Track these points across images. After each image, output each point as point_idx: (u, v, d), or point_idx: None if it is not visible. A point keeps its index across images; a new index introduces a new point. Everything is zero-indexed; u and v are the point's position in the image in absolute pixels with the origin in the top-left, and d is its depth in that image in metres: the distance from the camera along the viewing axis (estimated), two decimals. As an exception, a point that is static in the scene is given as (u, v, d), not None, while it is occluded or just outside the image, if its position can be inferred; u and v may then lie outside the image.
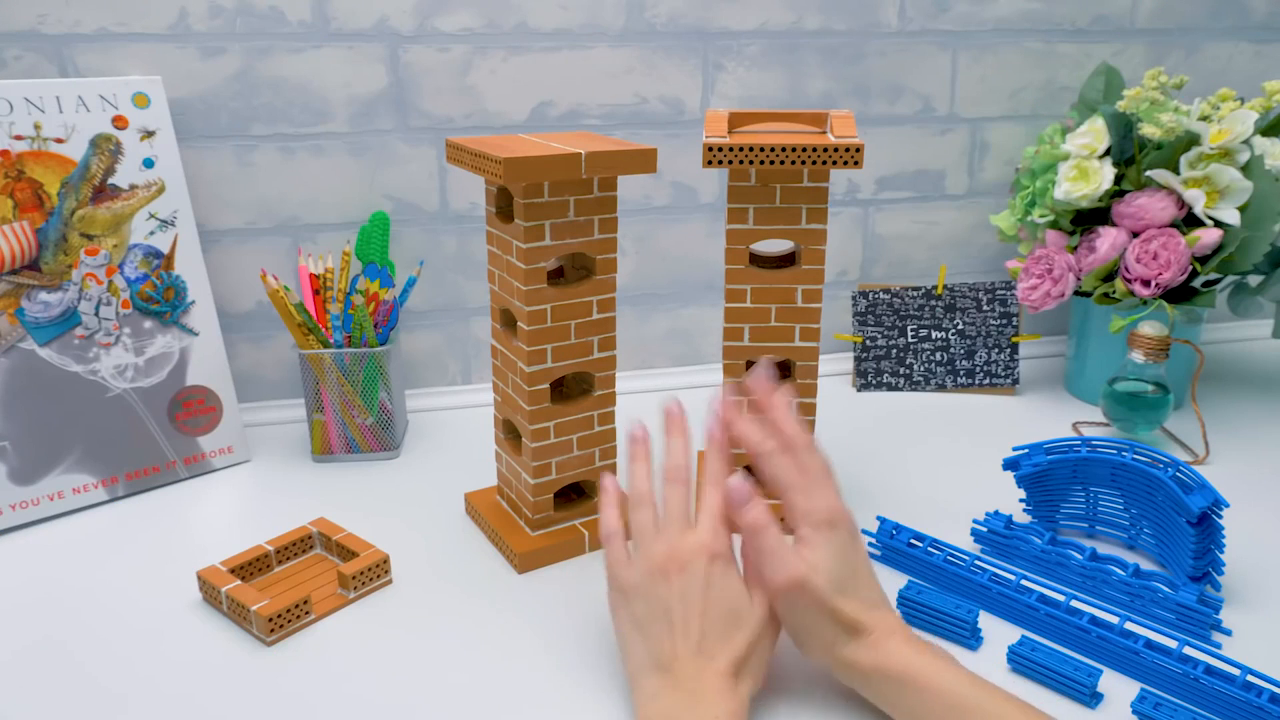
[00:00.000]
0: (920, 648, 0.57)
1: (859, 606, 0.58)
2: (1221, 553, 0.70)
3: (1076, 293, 1.00)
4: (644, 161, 0.70)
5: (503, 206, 0.72)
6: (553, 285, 0.72)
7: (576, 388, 0.78)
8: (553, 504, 0.78)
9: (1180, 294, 0.96)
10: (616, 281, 0.80)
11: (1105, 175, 0.95)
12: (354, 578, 0.72)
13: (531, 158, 0.65)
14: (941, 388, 1.09)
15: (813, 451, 0.62)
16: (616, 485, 0.64)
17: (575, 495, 0.81)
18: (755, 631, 0.58)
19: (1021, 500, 0.80)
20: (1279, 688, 0.58)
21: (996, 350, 1.08)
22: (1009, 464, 0.78)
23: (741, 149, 0.69)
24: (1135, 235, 0.95)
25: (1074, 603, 0.68)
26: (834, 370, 1.13)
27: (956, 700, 0.54)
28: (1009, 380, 1.08)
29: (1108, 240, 0.95)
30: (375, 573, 0.73)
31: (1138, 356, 0.91)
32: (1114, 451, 0.74)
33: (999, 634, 0.67)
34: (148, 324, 0.87)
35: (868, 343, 1.10)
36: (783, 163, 0.69)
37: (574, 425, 0.76)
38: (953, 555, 0.73)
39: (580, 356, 0.75)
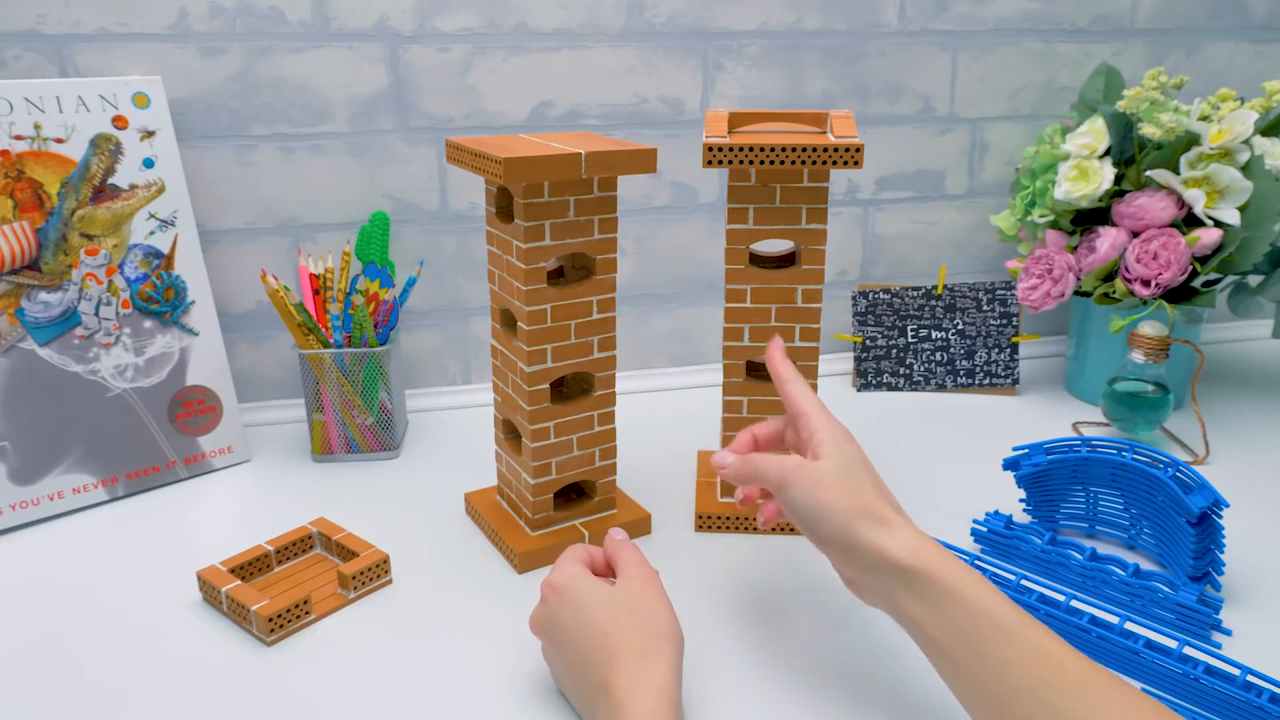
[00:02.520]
0: (956, 558, 0.54)
1: (883, 501, 0.57)
2: (1221, 553, 0.70)
3: (1076, 293, 1.00)
4: (644, 161, 0.70)
5: (503, 206, 0.72)
6: (553, 285, 0.72)
7: (576, 388, 0.78)
8: (553, 504, 0.78)
9: (1180, 294, 0.96)
10: (616, 281, 0.80)
11: (1105, 175, 0.95)
12: (354, 578, 0.72)
13: (531, 158, 0.65)
14: (941, 388, 1.09)
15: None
16: None
17: (575, 495, 0.81)
18: (615, 620, 0.58)
19: (1021, 500, 0.80)
20: (1279, 688, 0.58)
21: (996, 350, 1.08)
22: (1009, 464, 0.78)
23: (741, 149, 0.69)
24: (1135, 235, 0.95)
25: (1074, 603, 0.68)
26: (834, 370, 1.13)
27: (995, 617, 0.51)
28: (1009, 380, 1.08)
29: (1108, 240, 0.95)
30: (375, 573, 0.73)
31: (1138, 356, 0.91)
32: (1114, 451, 0.74)
33: (999, 634, 0.67)
34: (148, 324, 0.87)
35: (868, 343, 1.10)
36: (783, 163, 0.69)
37: (574, 425, 0.76)
38: (953, 555, 0.73)
39: (580, 356, 0.75)
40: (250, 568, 0.73)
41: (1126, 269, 0.95)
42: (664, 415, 1.03)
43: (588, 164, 0.67)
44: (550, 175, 0.67)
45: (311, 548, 0.78)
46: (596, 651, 0.56)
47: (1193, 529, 0.69)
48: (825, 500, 0.57)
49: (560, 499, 0.80)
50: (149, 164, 0.86)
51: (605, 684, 0.55)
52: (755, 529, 0.80)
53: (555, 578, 0.61)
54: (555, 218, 0.70)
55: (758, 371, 0.80)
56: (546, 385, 0.74)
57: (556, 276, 0.75)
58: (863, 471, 0.59)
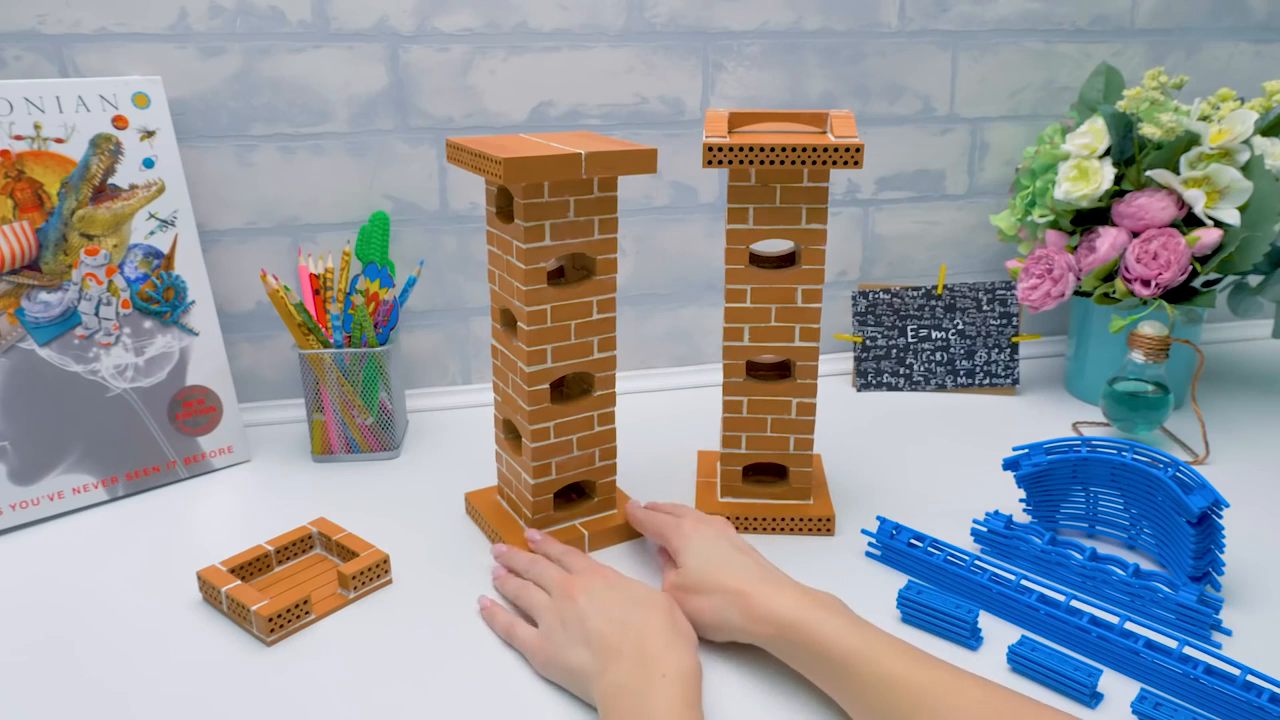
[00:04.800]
0: (810, 602, 0.61)
1: (736, 578, 0.64)
2: (1221, 553, 0.70)
3: (1076, 293, 1.00)
4: (644, 162, 0.70)
5: (503, 207, 0.72)
6: (553, 285, 0.72)
7: (576, 388, 0.78)
8: (552, 504, 0.78)
9: (1180, 294, 0.96)
10: (617, 281, 0.80)
11: (1105, 175, 0.95)
12: (354, 578, 0.72)
13: (531, 158, 0.65)
14: (941, 388, 1.09)
15: (666, 506, 0.77)
16: (494, 601, 0.70)
17: (575, 495, 0.81)
18: (667, 602, 0.64)
19: (1021, 500, 0.80)
20: (1279, 688, 0.58)
21: (996, 350, 1.08)
22: (1009, 464, 0.78)
23: (741, 149, 0.69)
24: (1135, 235, 0.95)
25: (1074, 603, 0.68)
26: (834, 370, 1.13)
27: (844, 654, 0.57)
28: (1009, 380, 1.08)
29: (1108, 240, 0.95)
30: (375, 573, 0.73)
31: (1138, 356, 0.91)
32: (1114, 451, 0.74)
33: (999, 634, 0.67)
34: (148, 324, 0.87)
35: (868, 343, 1.10)
36: (783, 163, 0.69)
37: (574, 425, 0.76)
38: (953, 555, 0.73)
39: (580, 356, 0.75)
40: (250, 568, 0.73)
41: (1126, 269, 0.95)
42: (664, 415, 1.03)
43: (588, 164, 0.67)
44: (550, 175, 0.67)
45: (311, 548, 0.78)
46: (637, 618, 0.62)
47: (1193, 529, 0.69)
48: (693, 607, 0.65)
49: (560, 499, 0.80)
50: (149, 164, 0.86)
51: (639, 643, 0.59)
52: (755, 529, 0.80)
53: (602, 568, 0.68)
54: (555, 218, 0.70)
55: (758, 371, 0.80)
56: (546, 385, 0.74)
57: (556, 276, 0.75)
58: (721, 556, 0.66)
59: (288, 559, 0.77)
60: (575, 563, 0.70)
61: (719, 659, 0.65)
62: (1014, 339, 1.08)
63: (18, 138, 0.80)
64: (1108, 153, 0.98)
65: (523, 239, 0.69)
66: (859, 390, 1.10)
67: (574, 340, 0.74)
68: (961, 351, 1.09)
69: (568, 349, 0.74)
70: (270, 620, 0.66)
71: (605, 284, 0.74)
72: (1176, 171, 0.94)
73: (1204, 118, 0.96)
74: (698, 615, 0.64)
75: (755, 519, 0.80)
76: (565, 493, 0.81)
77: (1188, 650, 0.63)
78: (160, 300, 0.87)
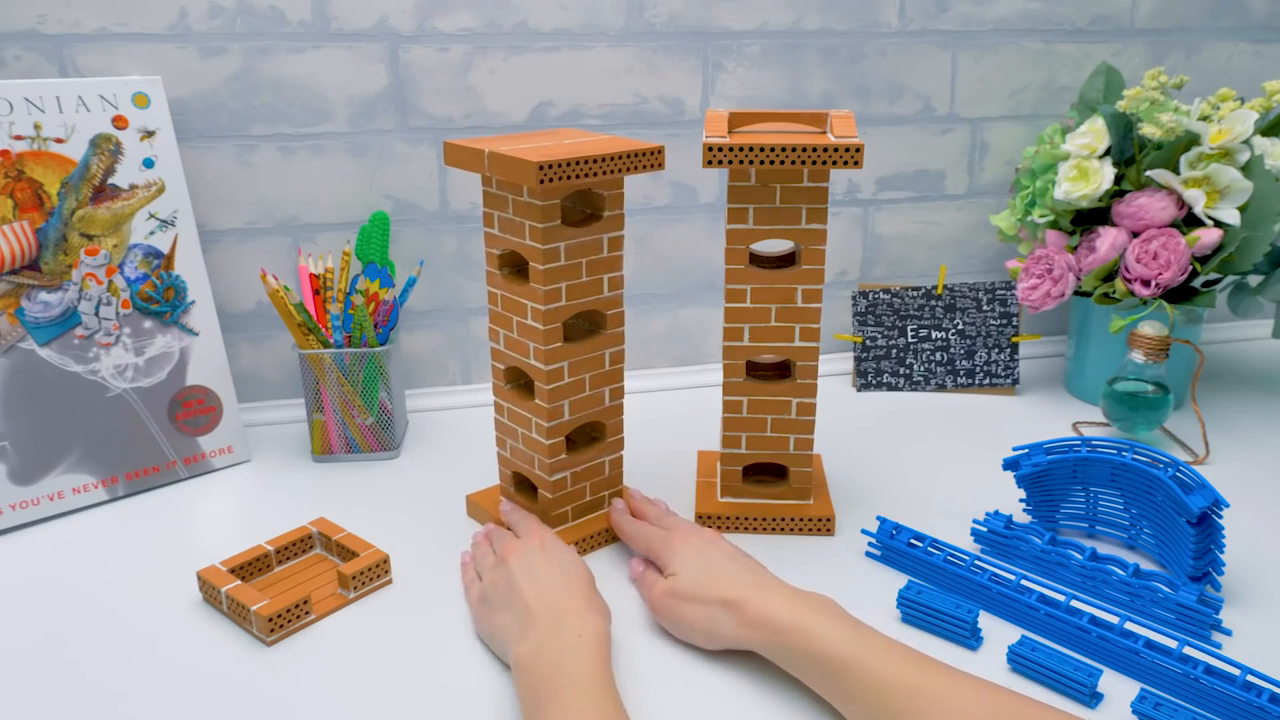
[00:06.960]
0: (804, 605, 0.61)
1: (729, 586, 0.64)
2: (1221, 553, 0.70)
3: (1076, 293, 1.00)
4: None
5: (593, 211, 0.73)
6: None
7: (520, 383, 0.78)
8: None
9: (1180, 294, 0.96)
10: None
11: (1105, 175, 0.95)
12: (354, 578, 0.72)
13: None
14: (941, 388, 1.09)
15: (661, 509, 0.78)
16: (471, 559, 0.75)
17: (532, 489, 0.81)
18: (588, 573, 0.67)
19: (1021, 500, 0.80)
20: (1279, 688, 0.58)
21: (996, 350, 1.08)
22: (1009, 464, 0.78)
23: (741, 149, 0.69)
24: (1135, 235, 0.95)
25: (1074, 603, 0.68)
26: (834, 370, 1.13)
27: (834, 651, 0.57)
28: (1009, 380, 1.08)
29: (1108, 240, 0.95)
30: (375, 573, 0.73)
31: (1138, 356, 0.91)
32: (1114, 451, 0.74)
33: (999, 634, 0.67)
34: (148, 324, 0.87)
35: (868, 343, 1.10)
36: (783, 163, 0.69)
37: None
38: (953, 555, 0.73)
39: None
40: (250, 568, 0.73)
41: (1126, 269, 0.95)
42: (664, 415, 1.03)
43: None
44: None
45: (311, 548, 0.78)
46: (561, 583, 0.65)
47: (1193, 529, 0.69)
48: (686, 615, 0.65)
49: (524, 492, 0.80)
50: (149, 164, 0.86)
51: (557, 607, 0.62)
52: (755, 529, 0.80)
53: (542, 535, 0.71)
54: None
55: (758, 371, 0.80)
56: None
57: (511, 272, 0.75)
58: (713, 565, 0.67)
59: (288, 559, 0.77)
60: (522, 527, 0.74)
61: (716, 661, 0.65)
62: (1014, 339, 1.08)
63: (18, 138, 0.80)
64: (1108, 153, 0.98)
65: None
66: (859, 390, 1.10)
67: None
68: (961, 351, 1.09)
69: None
70: (270, 620, 0.66)
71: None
72: (1176, 171, 0.94)
73: (1204, 118, 0.96)
74: (692, 623, 0.65)
75: (755, 519, 0.80)
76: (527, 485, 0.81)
77: (1188, 650, 0.63)
78: (160, 300, 0.87)
